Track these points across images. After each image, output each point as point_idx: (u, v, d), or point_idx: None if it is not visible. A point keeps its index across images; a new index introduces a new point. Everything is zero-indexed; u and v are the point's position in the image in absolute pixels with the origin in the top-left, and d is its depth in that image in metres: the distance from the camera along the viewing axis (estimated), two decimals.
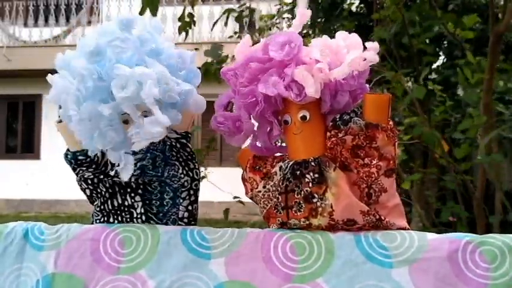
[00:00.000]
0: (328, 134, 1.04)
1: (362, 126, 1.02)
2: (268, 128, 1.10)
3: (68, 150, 1.13)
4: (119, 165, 1.04)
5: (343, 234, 1.00)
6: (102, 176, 1.12)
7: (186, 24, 3.17)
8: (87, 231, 1.09)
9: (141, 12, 2.86)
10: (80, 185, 1.15)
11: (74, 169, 1.13)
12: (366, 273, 0.96)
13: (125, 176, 1.05)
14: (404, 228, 1.03)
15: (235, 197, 3.25)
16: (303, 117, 1.04)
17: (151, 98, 0.95)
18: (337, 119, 1.04)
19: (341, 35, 1.06)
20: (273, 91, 1.00)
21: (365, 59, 1.01)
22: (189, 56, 1.08)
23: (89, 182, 1.12)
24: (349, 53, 1.01)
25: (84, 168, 1.12)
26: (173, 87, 0.98)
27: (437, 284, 0.92)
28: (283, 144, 1.14)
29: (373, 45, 1.03)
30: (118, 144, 1.02)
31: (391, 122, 1.04)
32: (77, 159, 1.11)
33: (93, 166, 1.11)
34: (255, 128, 1.10)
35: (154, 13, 3.00)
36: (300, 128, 1.05)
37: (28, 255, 1.08)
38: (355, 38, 1.03)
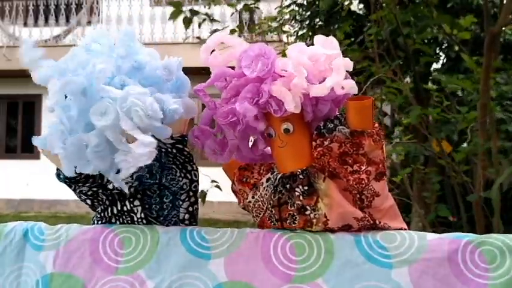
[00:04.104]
0: (314, 143, 1.03)
1: (347, 135, 1.00)
2: (252, 141, 1.09)
3: (58, 170, 1.10)
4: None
5: (342, 234, 1.00)
6: (100, 190, 1.11)
7: (188, 20, 3.17)
8: (86, 232, 1.09)
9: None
10: (79, 197, 1.14)
11: (69, 186, 1.12)
12: (365, 273, 0.96)
13: (125, 189, 1.04)
14: (401, 229, 1.03)
15: (212, 181, 3.23)
16: (286, 130, 1.02)
17: (130, 125, 0.92)
18: (322, 127, 1.02)
19: (319, 39, 1.02)
20: (249, 113, 0.97)
21: (343, 88, 0.97)
22: (175, 65, 1.04)
23: (89, 194, 1.12)
24: (331, 76, 0.97)
25: (81, 184, 1.10)
26: (151, 111, 0.93)
27: (437, 284, 0.92)
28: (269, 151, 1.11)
29: (348, 64, 0.99)
30: (107, 169, 1.00)
31: (376, 125, 1.02)
32: (70, 178, 1.09)
33: (90, 180, 1.10)
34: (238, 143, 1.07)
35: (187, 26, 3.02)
36: (284, 141, 1.02)
37: (28, 255, 1.09)
38: (340, 61, 0.99)
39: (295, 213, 1.03)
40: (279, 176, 1.04)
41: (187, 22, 3.13)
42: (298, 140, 1.03)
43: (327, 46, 1.01)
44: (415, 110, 2.72)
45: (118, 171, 0.98)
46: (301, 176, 1.02)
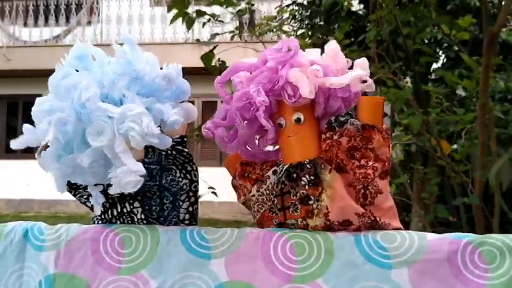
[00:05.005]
0: (323, 136, 1.04)
1: (359, 127, 1.02)
2: (258, 136, 1.10)
3: None
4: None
5: (342, 234, 1.00)
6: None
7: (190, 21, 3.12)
8: (86, 231, 1.09)
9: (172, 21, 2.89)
10: (79, 200, 1.14)
11: (69, 192, 1.12)
12: (365, 274, 0.96)
13: (97, 210, 1.03)
14: (399, 229, 1.03)
15: (209, 187, 3.22)
16: (298, 120, 1.04)
17: (121, 147, 0.92)
18: (333, 121, 1.04)
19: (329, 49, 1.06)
20: (261, 100, 1.00)
21: (364, 82, 1.01)
22: (175, 73, 1.03)
23: (89, 198, 1.11)
24: (354, 69, 1.01)
25: (81, 190, 1.11)
26: (147, 131, 0.92)
27: (436, 285, 0.93)
28: (270, 149, 1.13)
29: (364, 62, 1.04)
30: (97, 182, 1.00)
31: (384, 125, 1.05)
32: (71, 184, 1.09)
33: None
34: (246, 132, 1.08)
35: (189, 27, 2.98)
36: (294, 131, 1.04)
37: (29, 255, 1.09)
38: (364, 60, 1.04)
39: (297, 203, 1.04)
40: (286, 166, 1.05)
41: (190, 23, 3.07)
42: (307, 131, 1.05)
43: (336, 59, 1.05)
44: (418, 117, 2.71)
45: (108, 185, 0.99)
46: (308, 166, 1.03)
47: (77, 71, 1.00)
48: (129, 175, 0.92)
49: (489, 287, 0.90)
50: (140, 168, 0.93)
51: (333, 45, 1.06)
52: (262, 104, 1.00)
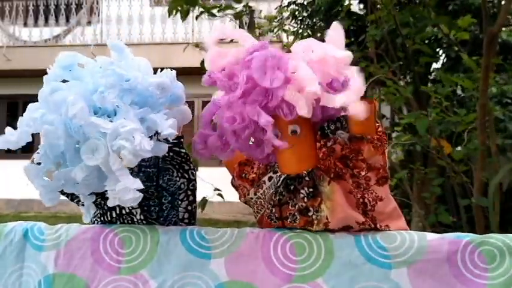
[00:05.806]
0: (318, 144, 1.01)
1: (346, 140, 1.00)
2: (252, 142, 1.05)
3: None
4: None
5: (342, 234, 1.01)
6: (99, 198, 1.10)
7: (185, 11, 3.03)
8: (86, 231, 1.09)
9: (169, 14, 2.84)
10: (77, 204, 1.14)
11: (66, 196, 1.11)
12: (365, 274, 0.96)
13: (86, 219, 1.03)
14: (403, 229, 1.03)
15: (215, 189, 3.21)
16: (294, 132, 0.99)
17: (117, 165, 0.91)
18: (325, 128, 1.02)
19: (331, 33, 0.99)
20: (266, 120, 0.93)
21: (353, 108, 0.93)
22: (169, 81, 1.00)
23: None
24: (346, 93, 0.93)
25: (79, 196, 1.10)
26: (139, 148, 0.91)
27: (436, 284, 0.93)
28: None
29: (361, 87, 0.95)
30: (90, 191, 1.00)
31: (379, 129, 1.01)
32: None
33: None
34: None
35: (183, 18, 2.94)
36: (290, 143, 0.99)
37: (29, 255, 1.09)
38: (359, 82, 0.94)
39: (296, 213, 1.03)
40: (283, 177, 1.04)
41: (185, 13, 2.98)
42: (304, 142, 1.01)
43: (336, 39, 0.98)
44: (423, 120, 2.68)
45: (103, 194, 0.99)
46: (307, 178, 1.02)
47: (67, 81, 0.99)
48: (127, 193, 0.92)
49: (489, 286, 0.90)
50: (138, 184, 0.92)
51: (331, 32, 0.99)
52: (268, 123, 0.93)
